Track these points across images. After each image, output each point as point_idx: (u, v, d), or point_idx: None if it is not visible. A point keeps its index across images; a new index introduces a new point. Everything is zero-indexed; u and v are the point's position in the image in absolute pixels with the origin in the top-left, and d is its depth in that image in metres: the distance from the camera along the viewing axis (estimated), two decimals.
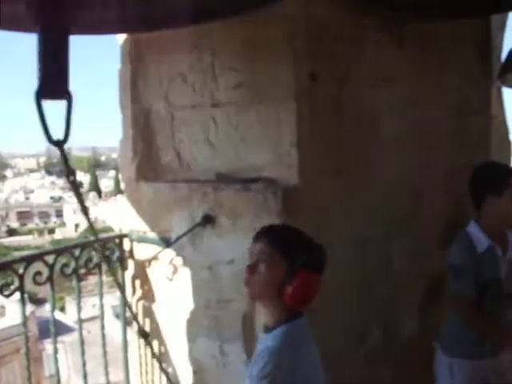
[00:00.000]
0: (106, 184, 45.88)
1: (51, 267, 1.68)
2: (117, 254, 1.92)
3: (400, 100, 1.80)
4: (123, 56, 1.89)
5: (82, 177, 46.19)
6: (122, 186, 2.03)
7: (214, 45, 1.64)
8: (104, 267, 1.81)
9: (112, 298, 3.25)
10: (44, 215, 41.35)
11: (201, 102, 1.71)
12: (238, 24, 1.53)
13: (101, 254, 1.75)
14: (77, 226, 33.63)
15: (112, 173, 46.80)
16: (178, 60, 1.75)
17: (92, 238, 1.68)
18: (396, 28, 1.73)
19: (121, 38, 1.89)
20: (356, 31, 1.64)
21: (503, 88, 2.49)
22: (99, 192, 41.72)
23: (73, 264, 1.75)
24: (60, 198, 42.43)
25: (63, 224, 38.47)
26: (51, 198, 43.72)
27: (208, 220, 1.67)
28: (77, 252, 1.77)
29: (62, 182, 43.16)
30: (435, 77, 1.93)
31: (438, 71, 1.93)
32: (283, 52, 1.50)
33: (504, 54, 2.39)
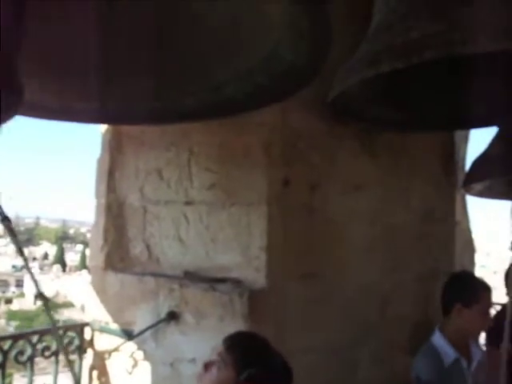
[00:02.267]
0: (73, 258, 44.98)
1: (5, 354, 1.63)
2: (76, 342, 1.86)
3: (370, 207, 1.86)
4: (103, 144, 1.93)
5: (49, 248, 45.21)
6: (88, 264, 2.02)
7: (192, 144, 1.70)
8: (61, 356, 1.75)
9: (66, 379, 3.11)
10: (3, 284, 40.07)
11: (174, 199, 1.74)
12: (217, 127, 1.60)
13: (60, 343, 1.70)
14: (36, 297, 32.52)
15: (79, 247, 46.05)
16: (156, 155, 1.79)
17: (53, 325, 1.63)
18: (368, 137, 1.82)
19: (103, 126, 1.94)
20: (330, 139, 1.72)
21: (467, 195, 2.61)
22: (64, 265, 40.78)
23: (29, 351, 1.69)
24: (22, 268, 41.26)
25: (22, 295, 37.28)
26: (13, 266, 42.52)
27: (173, 316, 1.64)
28: (35, 339, 1.72)
29: (26, 251, 42.11)
30: (404, 185, 2.00)
31: (407, 180, 2.01)
32: (258, 158, 1.56)
33: (467, 165, 2.54)
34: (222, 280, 1.58)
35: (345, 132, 1.75)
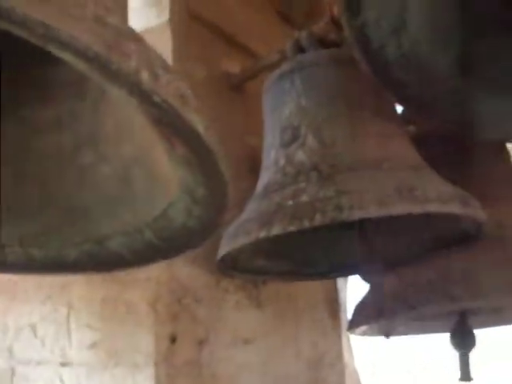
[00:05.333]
0: None
1: None
2: None
3: (260, 359, 1.81)
4: None
5: None
6: None
7: (72, 299, 1.58)
8: None
9: None
10: None
11: (49, 359, 1.57)
12: (99, 281, 1.52)
13: None
14: None
15: None
16: (29, 310, 1.64)
17: None
18: (255, 289, 1.82)
19: None
20: (217, 293, 1.69)
21: (351, 336, 2.67)
22: None
23: None
24: None
25: None
26: None
27: None
28: None
29: None
30: (293, 333, 2.00)
31: (295, 328, 2.01)
32: (144, 314, 1.48)
33: (349, 307, 2.63)
34: None
35: (232, 285, 1.74)
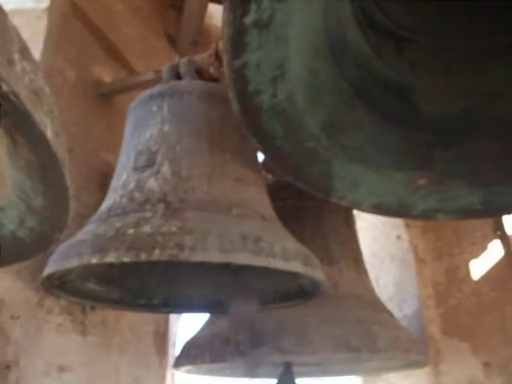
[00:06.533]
0: None
1: None
2: None
3: None
4: None
5: None
6: None
7: None
8: None
9: None
10: None
11: None
12: None
13: None
14: None
15: None
16: None
17: None
18: (81, 313, 1.68)
19: None
20: (38, 312, 1.53)
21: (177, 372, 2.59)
22: None
23: None
24: None
25: None
26: None
27: None
28: None
29: None
30: (114, 365, 1.87)
31: (118, 359, 1.89)
32: None
33: (177, 343, 2.56)
34: None
35: (57, 306, 1.60)
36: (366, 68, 1.35)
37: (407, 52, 1.48)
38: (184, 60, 1.56)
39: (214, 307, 1.65)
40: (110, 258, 1.07)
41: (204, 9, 2.51)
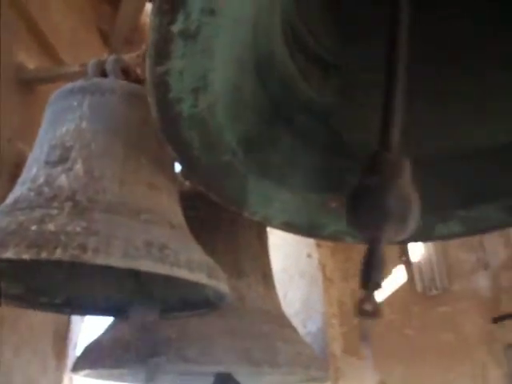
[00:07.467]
0: None
1: None
2: None
3: None
4: None
5: None
6: None
7: None
8: None
9: None
10: None
11: None
12: None
13: None
14: None
15: None
16: None
17: None
18: None
19: None
20: None
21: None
22: None
23: None
24: None
25: None
26: None
27: None
28: None
29: None
30: (8, 364, 1.79)
31: (11, 359, 1.81)
32: None
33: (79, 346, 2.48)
34: None
35: None
36: (290, 88, 1.38)
37: (333, 77, 1.52)
38: (111, 57, 1.54)
39: (116, 311, 1.61)
40: (9, 254, 1.03)
41: (141, 7, 2.48)
